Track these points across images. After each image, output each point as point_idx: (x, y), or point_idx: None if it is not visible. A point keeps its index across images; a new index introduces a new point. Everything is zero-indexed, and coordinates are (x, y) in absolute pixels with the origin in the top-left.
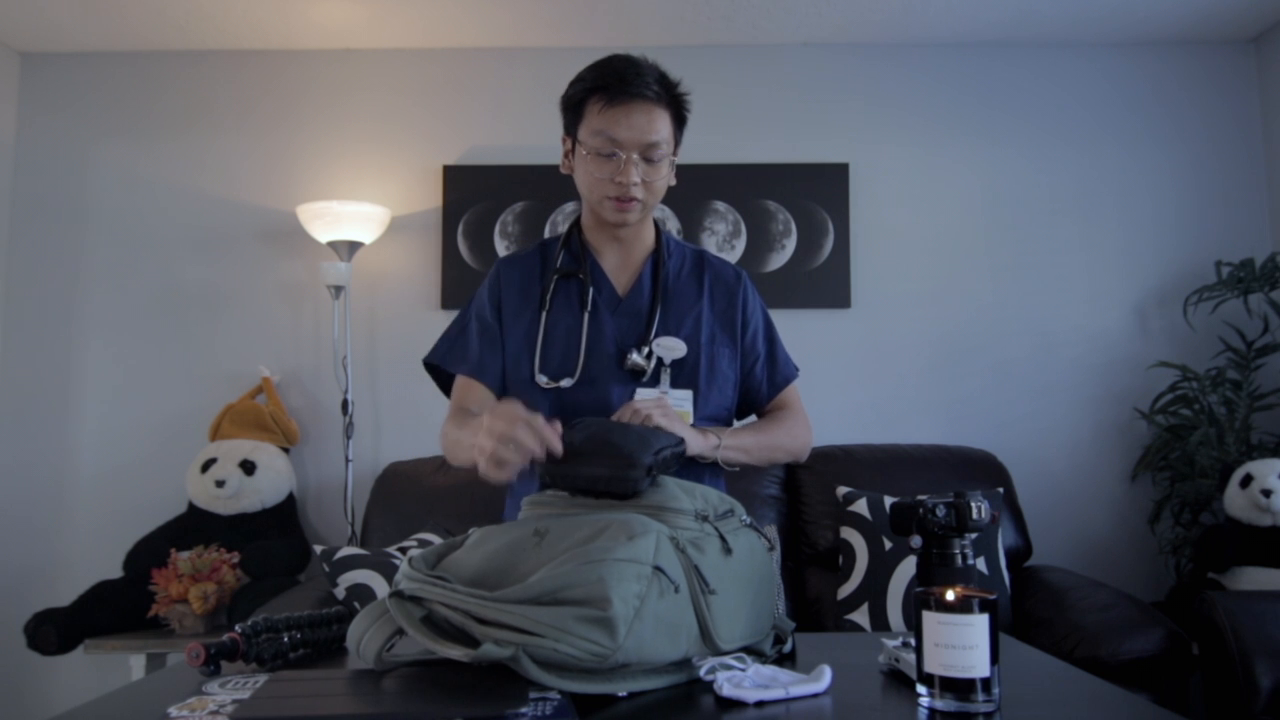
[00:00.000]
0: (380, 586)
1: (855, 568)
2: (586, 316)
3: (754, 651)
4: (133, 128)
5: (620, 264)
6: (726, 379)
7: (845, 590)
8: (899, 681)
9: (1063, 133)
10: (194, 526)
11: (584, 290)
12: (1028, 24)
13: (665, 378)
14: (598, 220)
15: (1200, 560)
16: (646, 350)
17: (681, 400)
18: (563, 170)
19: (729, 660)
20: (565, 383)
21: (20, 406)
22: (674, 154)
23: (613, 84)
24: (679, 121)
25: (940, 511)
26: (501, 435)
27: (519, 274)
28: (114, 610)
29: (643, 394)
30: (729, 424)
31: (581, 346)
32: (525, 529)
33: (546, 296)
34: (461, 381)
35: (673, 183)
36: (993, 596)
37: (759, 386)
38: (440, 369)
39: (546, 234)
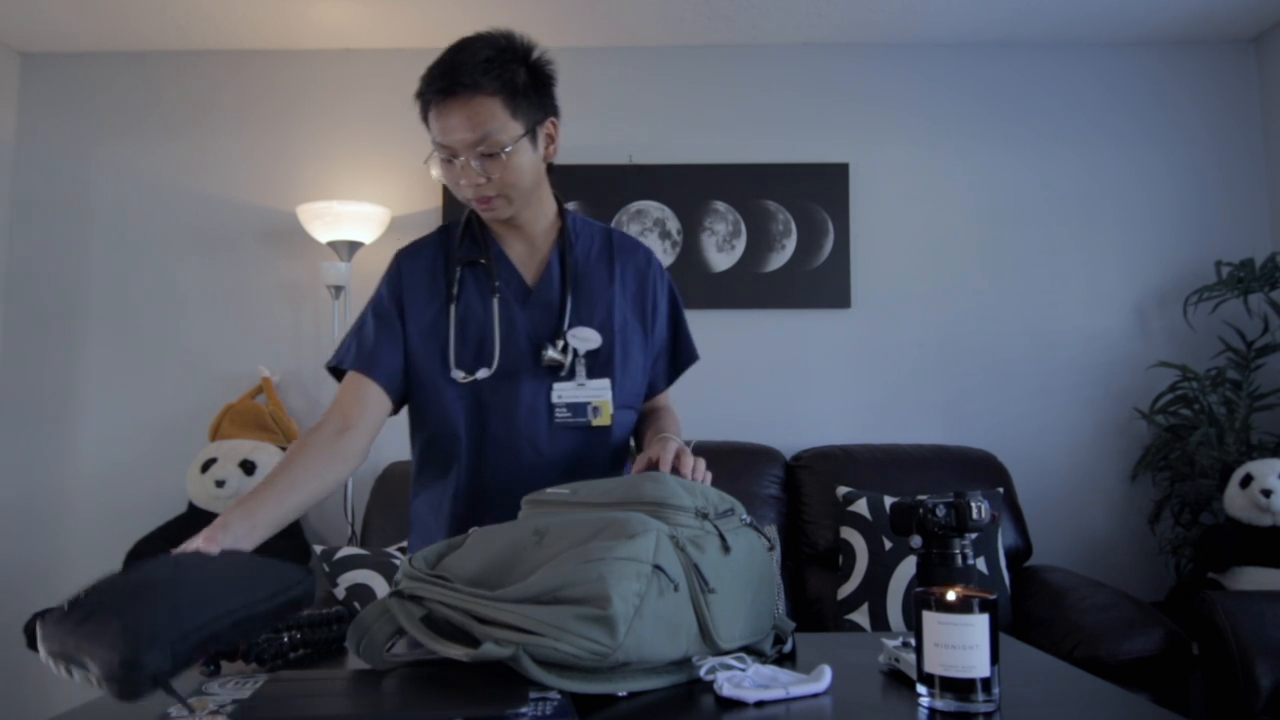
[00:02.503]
0: (380, 586)
1: (855, 568)
2: (496, 304)
3: (754, 651)
4: (133, 128)
5: (526, 252)
6: (638, 365)
7: (845, 590)
8: (899, 681)
9: (1063, 132)
10: (194, 526)
11: (490, 278)
12: (1027, 24)
13: (581, 369)
14: None
15: (1200, 560)
16: (561, 344)
17: (600, 391)
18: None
19: (729, 660)
20: (482, 374)
21: (20, 406)
22: (534, 131)
23: (432, 86)
24: (526, 92)
25: (940, 511)
26: None
27: (421, 264)
28: None
29: (560, 389)
30: (638, 411)
31: (495, 336)
32: (525, 528)
33: (453, 287)
34: (351, 378)
35: (552, 158)
36: (993, 596)
37: (658, 374)
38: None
39: None
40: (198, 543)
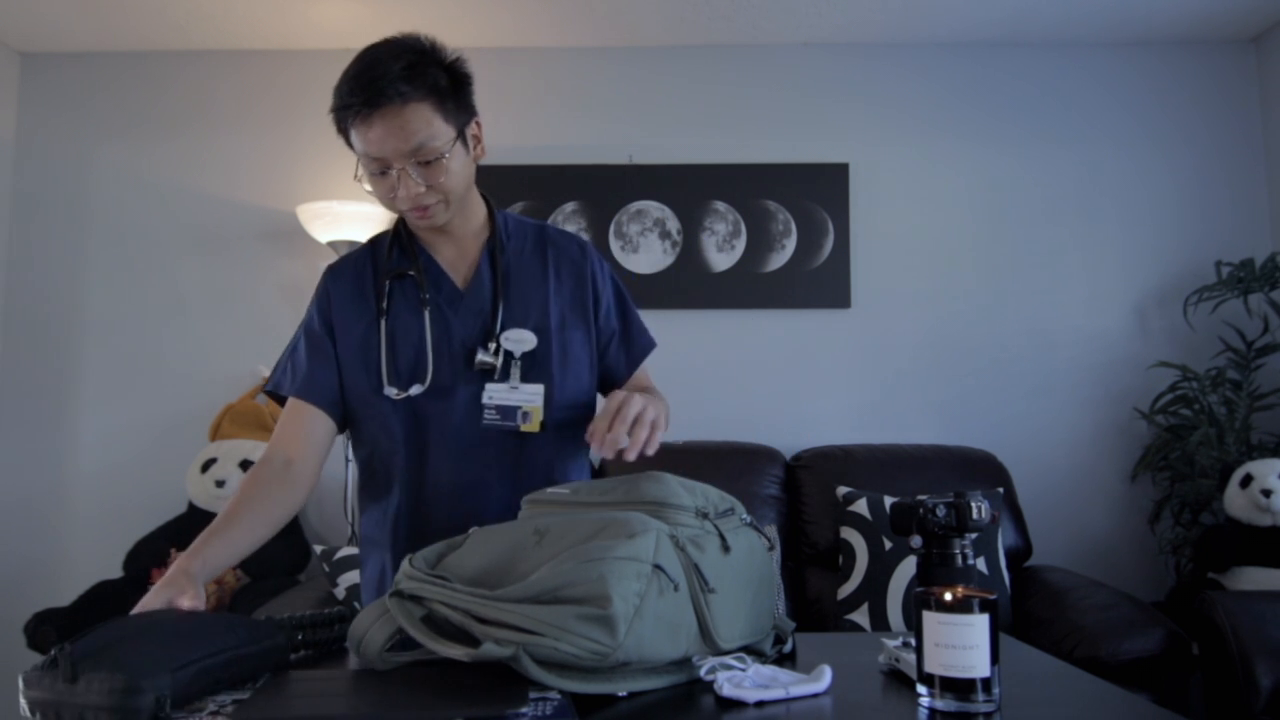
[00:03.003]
0: None
1: (855, 568)
2: (427, 315)
3: (754, 651)
4: (133, 128)
5: (456, 256)
6: (581, 363)
7: (845, 590)
8: (899, 681)
9: (1063, 132)
10: (194, 526)
11: (420, 289)
12: (1027, 24)
13: (515, 371)
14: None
15: (1200, 560)
16: (494, 346)
17: (532, 396)
18: (359, 183)
19: (729, 660)
20: (415, 390)
21: (20, 406)
22: (464, 133)
23: (355, 99)
24: (451, 94)
25: (940, 511)
26: None
27: (348, 280)
28: (114, 610)
29: (492, 389)
30: (591, 409)
31: (428, 349)
32: (525, 528)
33: (382, 301)
34: (291, 405)
35: (480, 158)
36: (993, 596)
37: (616, 365)
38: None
39: None
40: (167, 595)
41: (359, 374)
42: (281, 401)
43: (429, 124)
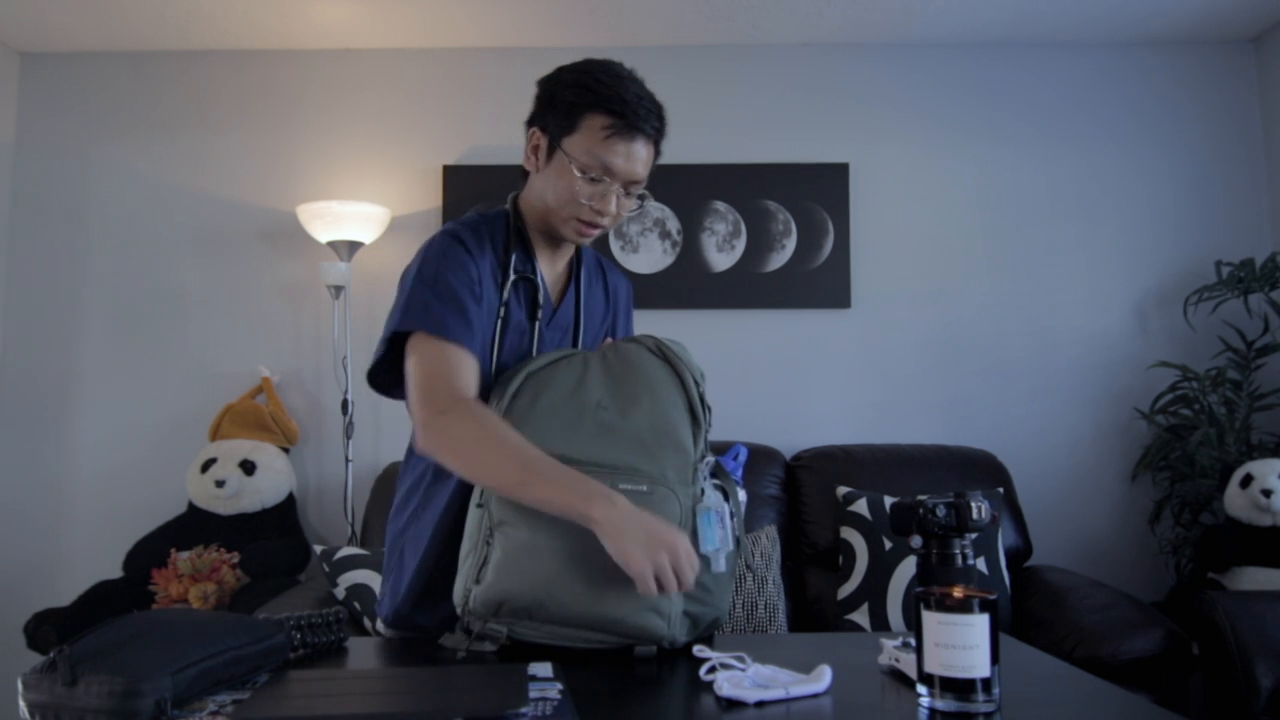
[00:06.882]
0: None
1: (855, 568)
2: (539, 327)
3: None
4: (133, 128)
5: (550, 269)
6: None
7: (845, 590)
8: (899, 681)
9: (1063, 132)
10: (194, 526)
11: (534, 297)
12: (1028, 24)
13: None
14: (547, 226)
15: (1200, 560)
16: None
17: None
18: (527, 165)
19: (729, 660)
20: None
21: (20, 406)
22: None
23: (625, 114)
24: (659, 153)
25: (940, 511)
26: (663, 569)
27: (485, 258)
28: (114, 610)
29: None
30: None
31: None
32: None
33: (504, 294)
34: (447, 353)
35: (648, 197)
36: (993, 596)
37: None
38: (394, 348)
39: None
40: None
41: (481, 361)
42: (397, 348)
43: (649, 167)
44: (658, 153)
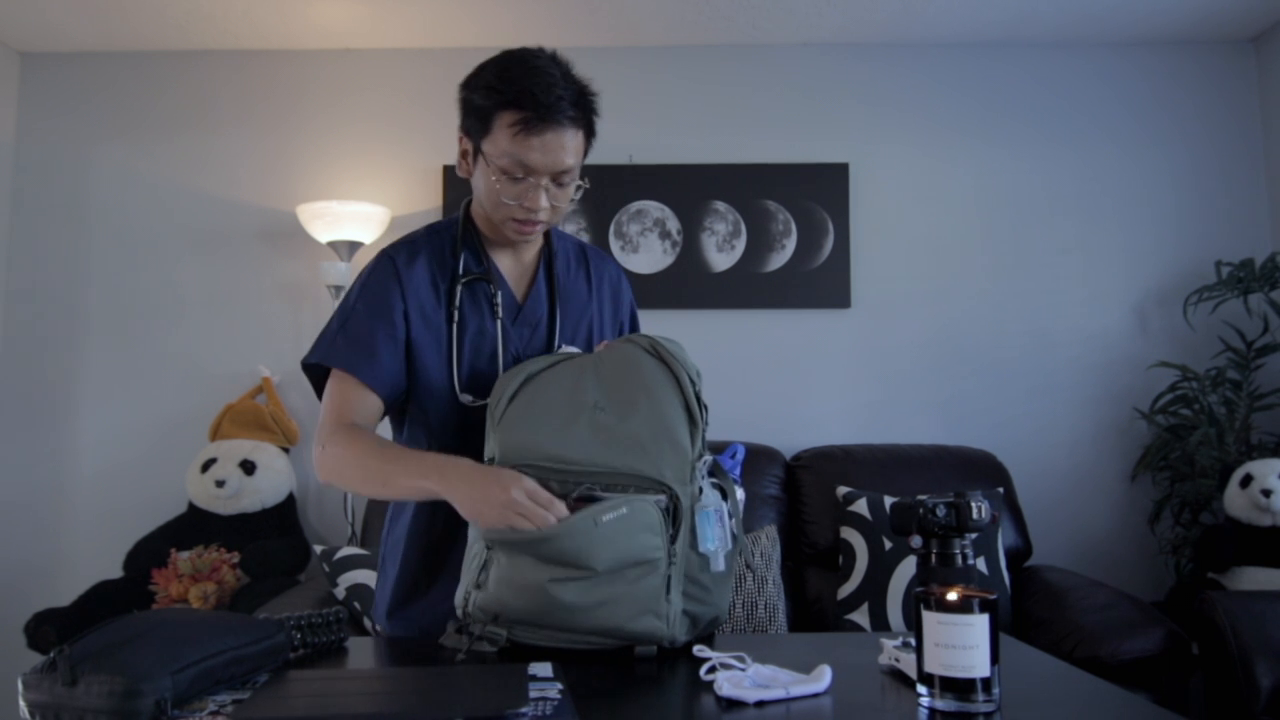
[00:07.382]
0: None
1: (855, 568)
2: (499, 327)
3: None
4: (133, 128)
5: (514, 266)
6: None
7: (845, 590)
8: (899, 681)
9: (1063, 132)
10: (194, 526)
11: (491, 296)
12: (1028, 24)
13: None
14: (494, 227)
15: (1200, 560)
16: None
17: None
18: (460, 173)
19: (729, 659)
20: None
21: (20, 406)
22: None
23: (528, 107)
24: (590, 134)
25: (940, 511)
26: (522, 510)
27: (421, 271)
28: (114, 610)
29: None
30: None
31: (499, 360)
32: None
33: (454, 302)
34: (344, 384)
35: (585, 185)
36: (993, 596)
37: None
38: (321, 372)
39: None
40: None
41: (439, 371)
42: (314, 374)
43: (578, 153)
44: (590, 135)
